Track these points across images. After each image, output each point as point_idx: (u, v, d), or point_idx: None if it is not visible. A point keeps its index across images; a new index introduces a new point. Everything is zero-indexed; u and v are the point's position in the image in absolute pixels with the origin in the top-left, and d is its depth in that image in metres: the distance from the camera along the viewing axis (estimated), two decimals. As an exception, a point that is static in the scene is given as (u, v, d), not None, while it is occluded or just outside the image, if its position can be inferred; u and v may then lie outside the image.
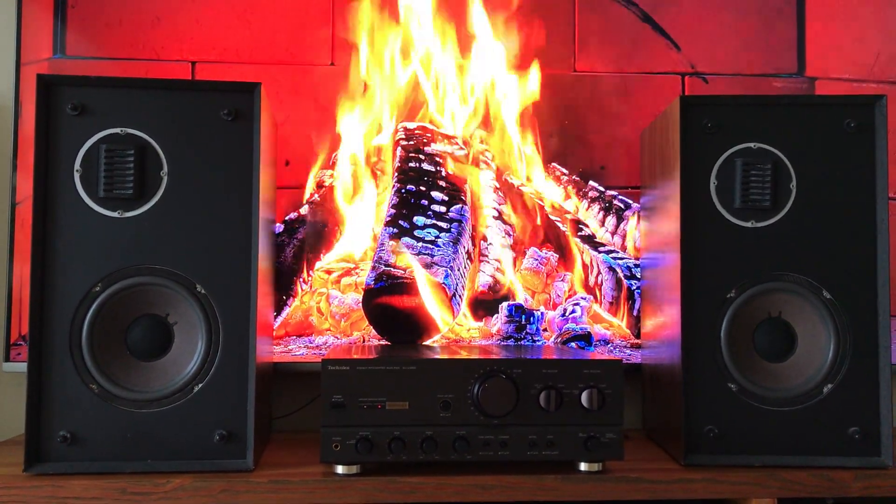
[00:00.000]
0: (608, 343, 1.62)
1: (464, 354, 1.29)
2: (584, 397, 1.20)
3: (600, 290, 1.64)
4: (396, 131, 1.63)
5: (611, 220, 1.65)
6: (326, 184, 1.62)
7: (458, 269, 1.60)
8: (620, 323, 1.63)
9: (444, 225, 1.61)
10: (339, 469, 1.18)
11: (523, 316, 1.61)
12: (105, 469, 1.18)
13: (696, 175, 1.30)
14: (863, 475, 1.23)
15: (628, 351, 1.62)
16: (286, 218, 1.60)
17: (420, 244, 1.59)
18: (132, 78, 1.25)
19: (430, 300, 1.58)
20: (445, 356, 1.24)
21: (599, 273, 1.64)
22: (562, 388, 1.20)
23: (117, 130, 1.22)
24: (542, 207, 1.65)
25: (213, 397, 1.21)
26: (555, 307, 1.63)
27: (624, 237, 1.65)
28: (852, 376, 1.27)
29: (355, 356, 1.23)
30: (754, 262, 1.29)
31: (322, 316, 1.59)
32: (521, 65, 1.65)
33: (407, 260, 1.58)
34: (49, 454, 1.18)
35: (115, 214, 1.21)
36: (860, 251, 1.29)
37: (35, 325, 1.18)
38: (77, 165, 1.21)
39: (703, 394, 1.28)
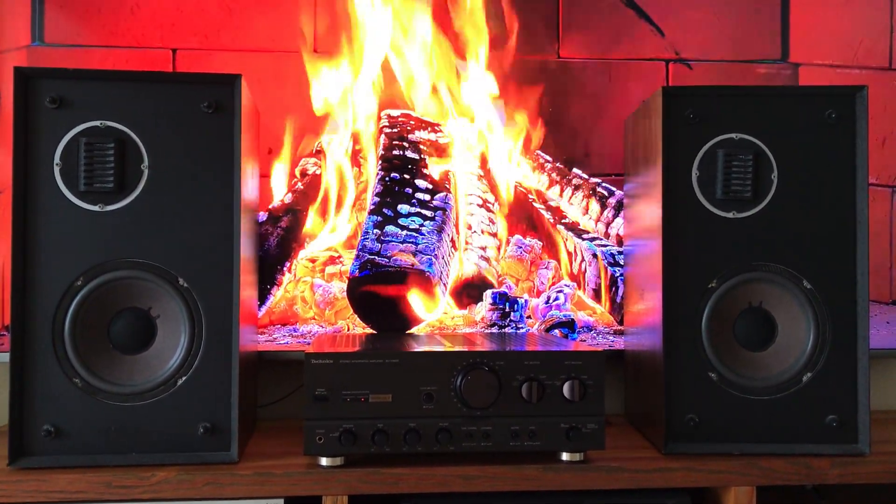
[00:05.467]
0: (592, 329, 1.63)
1: (447, 345, 1.29)
2: (565, 388, 1.21)
3: (584, 277, 1.65)
4: (380, 119, 1.63)
5: (594, 208, 1.66)
6: (310, 172, 1.61)
7: (443, 258, 1.61)
8: (604, 310, 1.64)
9: (428, 213, 1.61)
10: (324, 461, 1.19)
11: (507, 303, 1.61)
12: (90, 463, 1.19)
13: (677, 165, 1.31)
14: (840, 462, 1.25)
15: (612, 337, 1.63)
16: (269, 207, 1.59)
17: (404, 232, 1.59)
18: (111, 70, 1.24)
19: (414, 289, 1.58)
20: (428, 348, 1.25)
21: (583, 260, 1.64)
22: (544, 380, 1.21)
23: (97, 123, 1.21)
24: (526, 195, 1.65)
25: (197, 390, 1.22)
26: (538, 294, 1.63)
27: (608, 224, 1.65)
28: (831, 365, 1.29)
29: (340, 347, 1.23)
30: (735, 253, 1.30)
31: (306, 305, 1.59)
32: (505, 51, 1.64)
33: (391, 249, 1.58)
34: (33, 448, 1.19)
35: (96, 208, 1.21)
36: (840, 241, 1.30)
37: (17, 320, 1.18)
38: (57, 159, 1.20)
39: (684, 382, 1.29)
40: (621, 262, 1.62)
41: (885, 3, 1.70)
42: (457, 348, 1.24)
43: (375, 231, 1.59)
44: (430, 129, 1.63)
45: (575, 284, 1.65)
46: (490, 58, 1.64)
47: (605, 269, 1.63)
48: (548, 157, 1.65)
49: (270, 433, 1.43)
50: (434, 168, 1.63)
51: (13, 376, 1.18)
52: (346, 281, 1.59)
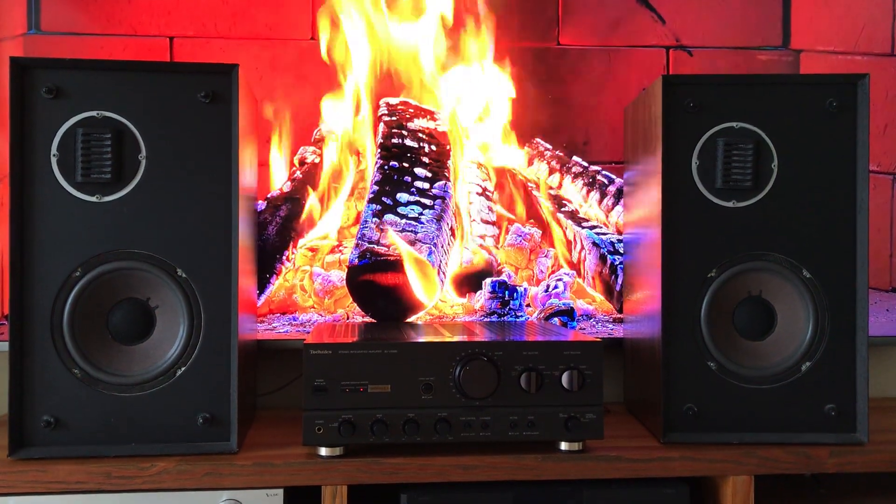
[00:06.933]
0: (591, 318, 1.63)
1: (446, 335, 1.29)
2: (564, 378, 1.21)
3: (584, 265, 1.64)
4: (378, 107, 1.62)
5: (594, 196, 1.65)
6: (308, 160, 1.61)
7: (442, 246, 1.60)
8: (603, 298, 1.64)
9: (427, 202, 1.60)
10: (323, 451, 1.19)
11: (506, 292, 1.61)
12: (89, 453, 1.19)
13: (677, 154, 1.30)
14: (838, 451, 1.25)
15: (611, 325, 1.63)
16: (268, 195, 1.59)
17: (403, 221, 1.59)
18: (108, 60, 1.23)
19: (413, 277, 1.58)
20: (427, 339, 1.25)
21: (583, 248, 1.64)
22: (542, 370, 1.21)
23: (94, 114, 1.20)
24: (525, 183, 1.65)
25: (196, 380, 1.22)
26: (538, 283, 1.63)
27: (607, 213, 1.65)
28: (830, 354, 1.29)
29: (339, 336, 1.23)
30: (735, 242, 1.29)
31: (306, 293, 1.59)
32: (505, 38, 1.63)
33: (391, 237, 1.58)
34: (33, 439, 1.19)
35: (94, 199, 1.20)
36: (840, 231, 1.29)
37: (16, 312, 1.18)
38: (54, 150, 1.19)
39: (683, 372, 1.29)
40: (621, 251, 1.61)
41: (888, -12, 1.69)
42: (456, 338, 1.24)
43: (374, 220, 1.58)
44: (428, 117, 1.62)
45: (574, 273, 1.64)
46: (490, 45, 1.63)
47: (605, 257, 1.63)
48: (547, 146, 1.65)
49: (270, 423, 1.44)
50: (433, 156, 1.62)
51: (12, 367, 1.18)
52: (346, 269, 1.58)
